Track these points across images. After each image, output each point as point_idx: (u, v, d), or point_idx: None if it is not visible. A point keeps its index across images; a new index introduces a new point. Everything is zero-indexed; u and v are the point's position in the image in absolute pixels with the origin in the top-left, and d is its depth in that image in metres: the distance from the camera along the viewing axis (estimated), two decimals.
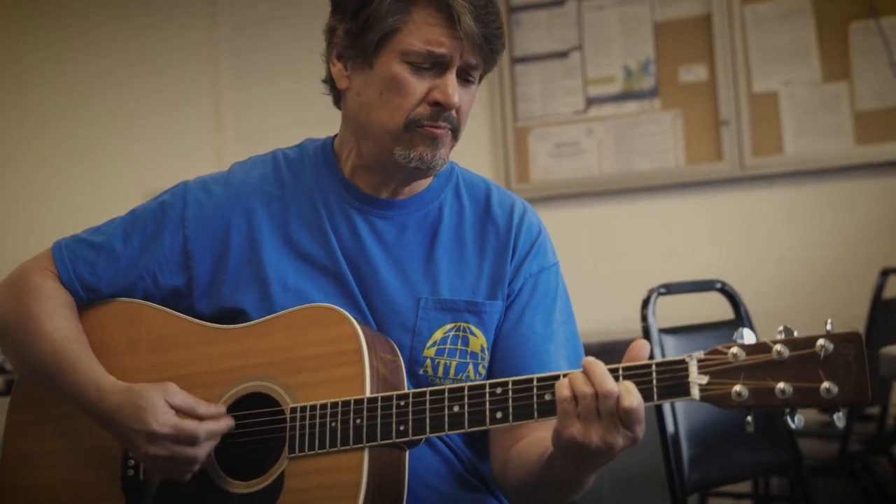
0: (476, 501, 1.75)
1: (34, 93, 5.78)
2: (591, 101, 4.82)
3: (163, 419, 1.58)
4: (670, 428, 2.34)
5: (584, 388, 1.38)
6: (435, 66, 1.64)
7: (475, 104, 1.75)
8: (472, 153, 4.70)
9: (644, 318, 2.40)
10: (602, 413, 1.38)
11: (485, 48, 1.64)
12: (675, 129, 4.68)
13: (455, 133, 1.68)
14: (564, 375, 1.43)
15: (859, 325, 3.95)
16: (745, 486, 3.99)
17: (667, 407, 2.33)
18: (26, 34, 5.78)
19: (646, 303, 2.43)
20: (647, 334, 2.39)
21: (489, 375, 1.73)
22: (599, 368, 1.40)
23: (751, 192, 4.57)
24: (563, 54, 4.81)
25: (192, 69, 5.50)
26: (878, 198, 4.38)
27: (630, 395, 1.37)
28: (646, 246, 4.68)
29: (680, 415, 2.37)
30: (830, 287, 4.39)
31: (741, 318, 2.58)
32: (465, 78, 1.67)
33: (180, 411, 1.60)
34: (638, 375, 1.40)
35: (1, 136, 5.81)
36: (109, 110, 5.61)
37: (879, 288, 3.61)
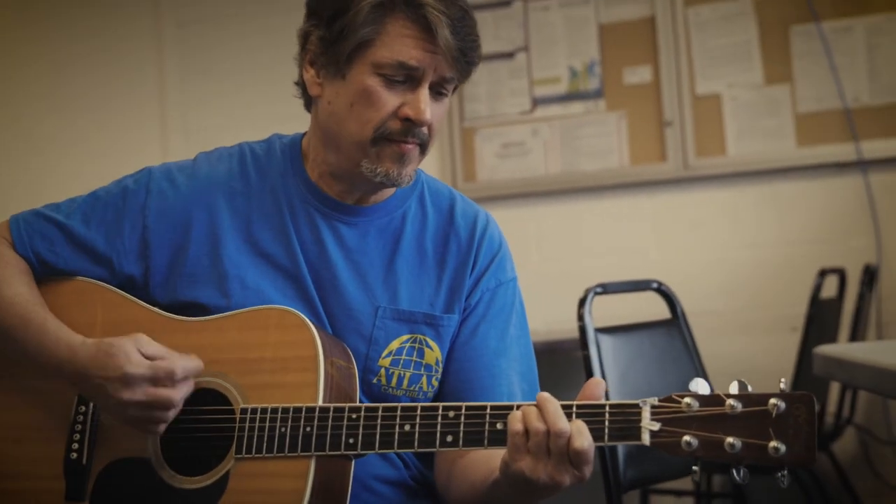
0: None
1: None
2: (536, 102, 4.84)
3: (137, 360, 1.56)
4: None
5: (537, 423, 1.39)
6: (408, 79, 1.62)
7: None
8: None
9: (581, 317, 2.40)
10: (552, 451, 1.38)
11: (461, 61, 1.62)
12: (619, 130, 4.71)
13: (423, 148, 1.67)
14: (518, 407, 1.44)
15: (798, 323, 4.02)
16: (686, 483, 4.04)
17: None
18: None
19: (582, 302, 2.43)
20: (583, 333, 2.40)
21: (440, 387, 1.74)
22: (553, 406, 1.40)
23: (694, 193, 4.62)
24: (509, 55, 4.83)
25: (136, 65, 5.44)
26: (818, 199, 4.45)
27: (581, 435, 1.37)
28: (591, 245, 4.71)
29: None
30: (771, 286, 4.45)
31: (677, 317, 2.60)
32: (438, 91, 1.65)
33: (153, 360, 1.58)
34: (591, 415, 1.41)
35: None
36: (52, 106, 5.55)
37: (817, 288, 3.66)
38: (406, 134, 1.63)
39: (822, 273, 3.73)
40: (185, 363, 1.58)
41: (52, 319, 1.68)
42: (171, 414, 1.58)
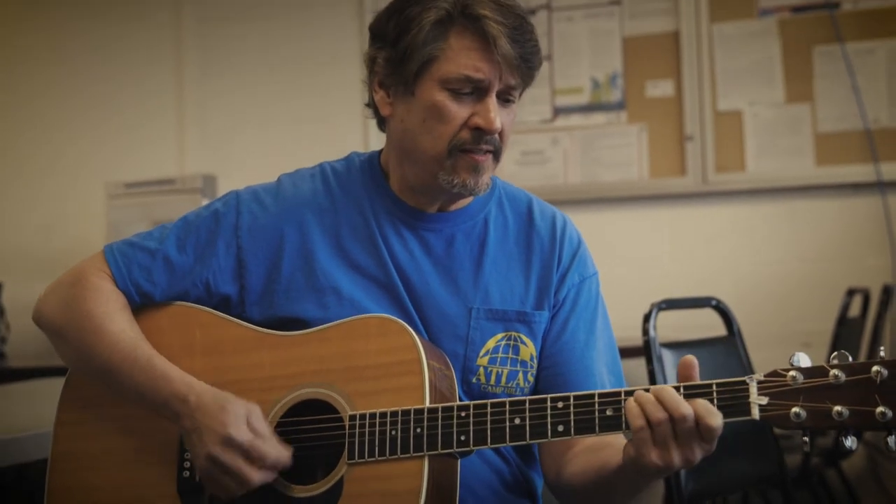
0: None
1: None
2: (558, 111, 4.89)
3: (243, 429, 1.59)
4: None
5: (659, 413, 1.42)
6: (475, 90, 1.66)
7: None
8: None
9: (645, 332, 2.47)
10: (679, 434, 1.42)
11: (523, 68, 1.66)
12: (640, 143, 4.76)
13: (497, 155, 1.71)
14: (628, 394, 1.48)
15: (810, 339, 4.09)
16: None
17: None
18: None
19: (647, 317, 2.50)
20: (648, 348, 2.45)
21: (535, 382, 1.78)
22: (669, 392, 1.44)
23: (712, 208, 4.68)
24: None
25: (156, 62, 5.44)
26: (836, 218, 4.51)
27: (712, 414, 1.41)
28: (607, 256, 4.74)
29: None
30: (788, 303, 4.51)
31: (734, 334, 2.65)
32: (505, 98, 1.69)
33: (255, 434, 1.61)
34: (699, 395, 1.45)
35: None
36: (70, 102, 5.53)
37: (845, 307, 3.72)
38: (478, 142, 1.67)
39: (850, 292, 3.79)
40: (278, 453, 1.61)
41: (159, 356, 1.71)
42: (241, 492, 1.61)
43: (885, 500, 4.37)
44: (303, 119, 5.17)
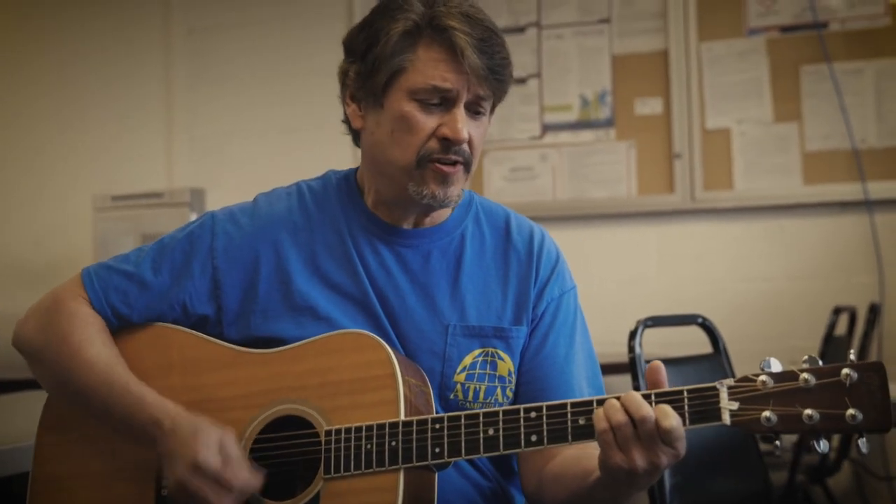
0: None
1: None
2: (546, 128, 4.90)
3: (212, 455, 1.59)
4: None
5: (619, 416, 1.44)
6: (443, 101, 1.67)
7: None
8: None
9: (631, 349, 2.48)
10: (642, 437, 1.43)
11: (491, 79, 1.67)
12: (628, 160, 4.78)
13: (467, 167, 1.71)
14: (599, 403, 1.49)
15: (797, 357, 4.08)
16: None
17: None
18: None
19: (633, 334, 2.51)
20: (633, 365, 2.46)
21: (515, 397, 1.78)
22: (633, 396, 1.45)
23: (700, 225, 4.69)
24: (521, 80, 4.89)
25: (144, 74, 5.45)
26: (823, 236, 4.53)
27: (668, 416, 1.42)
28: (594, 272, 4.76)
29: None
30: (775, 321, 4.52)
31: (719, 352, 2.66)
32: (475, 111, 1.70)
33: (226, 459, 1.60)
34: (670, 401, 1.45)
35: None
36: (59, 113, 5.54)
37: (832, 325, 3.73)
38: (446, 152, 1.67)
39: (837, 311, 3.80)
40: (246, 479, 1.61)
41: (135, 381, 1.71)
42: None
43: None
44: (292, 131, 5.17)
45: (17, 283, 5.15)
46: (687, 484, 2.44)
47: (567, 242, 4.90)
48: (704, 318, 2.67)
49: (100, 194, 4.99)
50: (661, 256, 4.73)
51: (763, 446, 3.98)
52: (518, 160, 4.92)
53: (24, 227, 5.50)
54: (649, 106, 4.76)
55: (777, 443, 1.45)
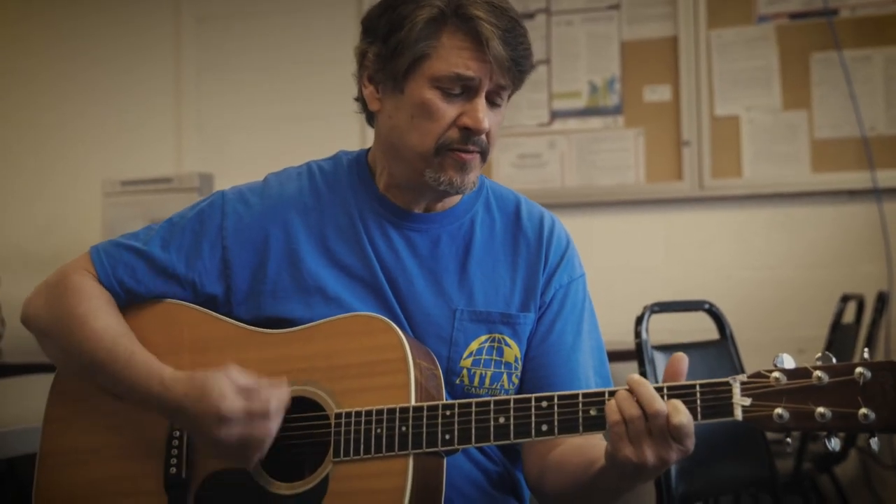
0: None
1: None
2: (555, 115, 4.89)
3: (231, 398, 1.58)
4: None
5: (632, 410, 1.43)
6: (465, 90, 1.66)
7: None
8: None
9: (638, 334, 2.47)
10: (653, 432, 1.42)
11: (514, 70, 1.67)
12: (636, 147, 4.77)
13: (484, 155, 1.72)
14: (611, 394, 1.48)
15: (805, 346, 4.09)
16: None
17: None
18: None
19: (640, 320, 2.50)
20: (640, 350, 2.45)
21: (521, 384, 1.78)
22: (646, 389, 1.44)
23: (708, 213, 4.68)
24: None
25: (154, 60, 5.45)
26: (831, 225, 4.52)
27: (679, 412, 1.41)
28: (603, 260, 4.75)
29: None
30: (782, 309, 4.51)
31: (726, 338, 2.66)
32: (493, 101, 1.70)
33: (247, 391, 1.59)
34: (682, 396, 1.45)
35: None
36: (68, 101, 5.55)
37: (839, 313, 3.72)
38: (466, 142, 1.68)
39: (844, 299, 3.79)
40: (278, 394, 1.60)
41: (141, 351, 1.71)
42: (266, 446, 1.61)
43: None
44: (300, 118, 5.17)
45: (25, 270, 5.15)
46: (693, 469, 2.45)
47: (575, 230, 4.89)
48: (711, 305, 2.66)
49: (109, 179, 5.00)
50: (669, 244, 4.72)
51: (770, 435, 3.99)
52: (526, 147, 4.91)
53: (32, 214, 5.52)
54: (658, 93, 4.75)
55: (788, 439, 1.44)
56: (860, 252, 4.47)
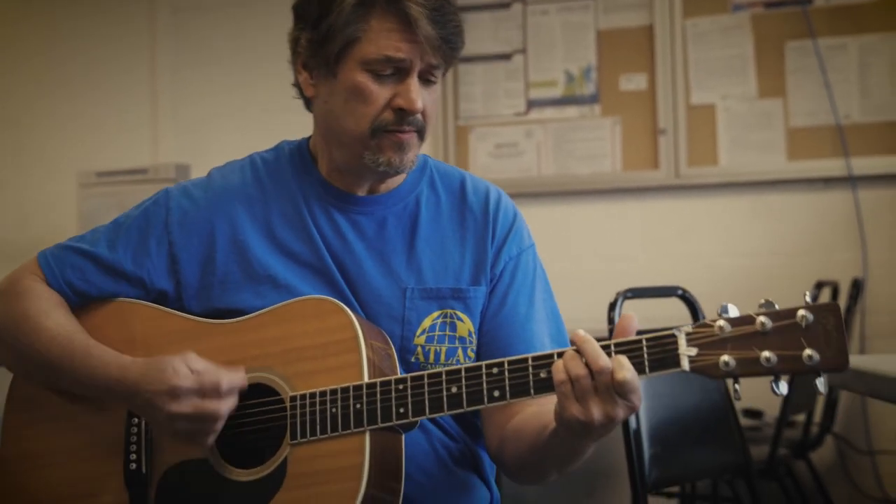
0: (464, 481, 1.81)
1: None
2: (531, 104, 4.90)
3: (184, 374, 1.60)
4: (633, 423, 2.41)
5: (578, 369, 1.45)
6: (396, 71, 1.68)
7: None
8: None
9: (611, 320, 2.49)
10: (599, 388, 1.44)
11: (444, 48, 1.68)
12: (613, 136, 4.78)
13: (421, 134, 1.73)
14: (559, 355, 1.49)
15: None
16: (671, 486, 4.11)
17: None
18: None
19: (612, 306, 2.52)
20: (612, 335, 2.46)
21: (477, 358, 1.79)
22: (591, 346, 1.45)
23: (684, 201, 4.70)
24: (506, 56, 4.88)
25: (129, 51, 5.42)
26: (807, 212, 4.54)
27: (623, 368, 1.42)
28: (580, 248, 4.77)
29: (642, 413, 2.44)
30: (758, 295, 4.46)
31: None
32: (427, 79, 1.72)
33: (197, 373, 1.62)
34: (629, 350, 1.46)
35: None
36: (43, 90, 5.51)
37: (814, 300, 3.73)
38: (401, 122, 1.70)
39: (819, 285, 3.81)
40: (230, 376, 1.62)
41: (95, 344, 1.73)
42: (218, 426, 1.62)
43: (853, 493, 4.41)
44: (276, 109, 5.12)
45: (1, 261, 5.13)
46: (665, 455, 2.46)
47: (552, 219, 4.94)
48: (684, 290, 2.68)
49: (85, 171, 4.98)
50: (646, 232, 4.74)
51: (744, 421, 4.01)
52: (503, 136, 4.92)
53: (8, 205, 5.48)
54: (634, 82, 4.76)
55: (736, 386, 1.45)
56: (835, 239, 4.50)
